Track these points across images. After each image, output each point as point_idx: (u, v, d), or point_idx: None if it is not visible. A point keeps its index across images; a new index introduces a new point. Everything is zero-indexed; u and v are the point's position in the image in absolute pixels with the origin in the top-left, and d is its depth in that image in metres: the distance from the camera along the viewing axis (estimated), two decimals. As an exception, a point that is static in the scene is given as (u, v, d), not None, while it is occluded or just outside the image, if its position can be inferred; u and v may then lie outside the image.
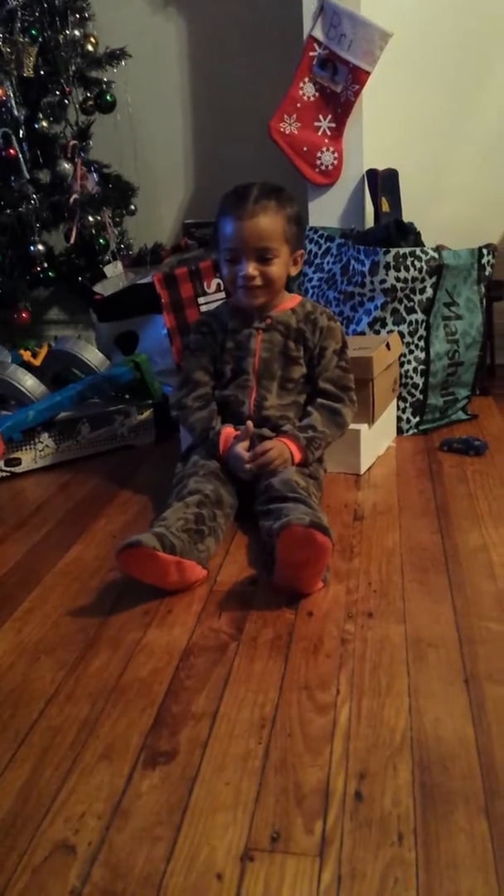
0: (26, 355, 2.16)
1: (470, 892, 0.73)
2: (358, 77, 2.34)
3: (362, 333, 2.03)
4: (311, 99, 2.43)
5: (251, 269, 1.55)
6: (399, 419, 2.05)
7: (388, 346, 1.86)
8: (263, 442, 1.54)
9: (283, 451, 1.52)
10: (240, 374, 1.64)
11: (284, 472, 1.48)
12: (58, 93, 2.45)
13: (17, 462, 1.89)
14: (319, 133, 2.45)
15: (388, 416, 1.95)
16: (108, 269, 2.53)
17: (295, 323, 1.64)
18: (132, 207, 2.67)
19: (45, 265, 2.42)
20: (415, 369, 2.04)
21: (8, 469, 1.88)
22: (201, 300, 2.14)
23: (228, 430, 1.58)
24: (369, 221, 2.50)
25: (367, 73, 2.34)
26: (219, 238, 1.60)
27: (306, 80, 2.42)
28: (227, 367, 1.65)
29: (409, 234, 2.15)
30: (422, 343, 2.03)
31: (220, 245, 1.61)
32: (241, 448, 1.53)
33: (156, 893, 0.74)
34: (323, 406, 1.62)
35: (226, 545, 1.46)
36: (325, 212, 2.50)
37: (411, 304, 2.00)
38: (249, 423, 1.56)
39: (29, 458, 1.91)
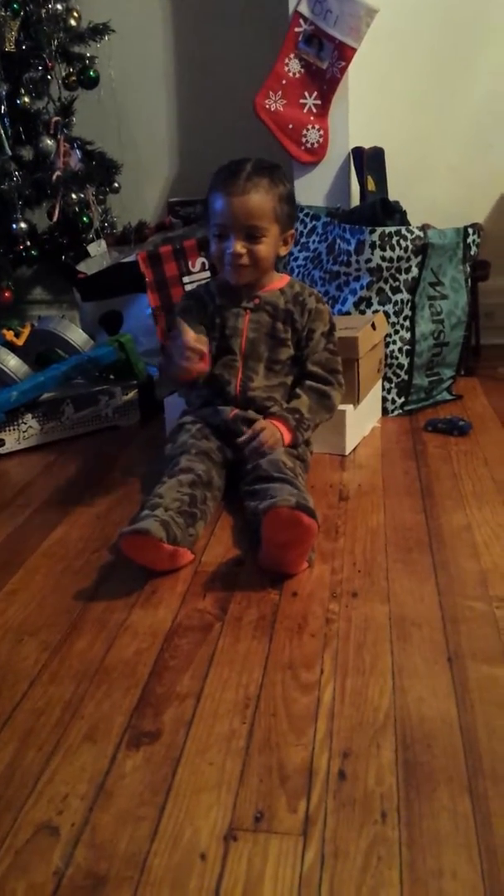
0: (9, 335, 2.14)
1: (453, 869, 0.74)
2: (344, 53, 2.32)
3: (348, 313, 2.02)
4: (297, 76, 2.40)
5: (239, 246, 1.54)
6: (384, 399, 2.05)
7: (373, 325, 1.86)
8: (255, 423, 1.53)
9: (274, 432, 1.51)
10: (226, 354, 1.62)
11: (273, 452, 1.48)
12: (40, 68, 2.40)
13: (1, 443, 1.88)
14: (305, 110, 2.42)
15: (373, 397, 1.95)
16: (92, 248, 2.51)
17: (283, 304, 1.62)
18: (116, 185, 2.63)
19: (28, 243, 2.38)
20: (400, 349, 2.03)
21: (-9, 450, 1.87)
22: (186, 279, 2.12)
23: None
24: (355, 200, 2.48)
25: (353, 50, 2.31)
26: (208, 213, 1.59)
27: (292, 56, 2.39)
28: (213, 343, 1.63)
29: (394, 213, 2.14)
30: (407, 323, 2.02)
31: (209, 220, 1.59)
32: (188, 335, 1.44)
33: (139, 874, 0.75)
34: (311, 389, 1.61)
35: (211, 526, 1.46)
36: (311, 190, 2.47)
37: (397, 283, 1.99)
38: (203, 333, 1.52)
39: (12, 439, 1.89)
